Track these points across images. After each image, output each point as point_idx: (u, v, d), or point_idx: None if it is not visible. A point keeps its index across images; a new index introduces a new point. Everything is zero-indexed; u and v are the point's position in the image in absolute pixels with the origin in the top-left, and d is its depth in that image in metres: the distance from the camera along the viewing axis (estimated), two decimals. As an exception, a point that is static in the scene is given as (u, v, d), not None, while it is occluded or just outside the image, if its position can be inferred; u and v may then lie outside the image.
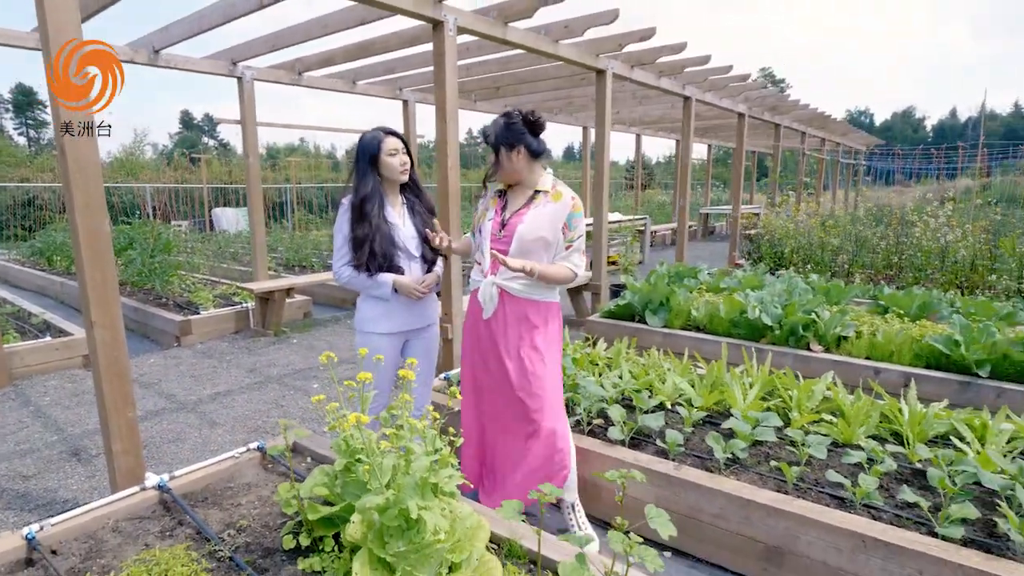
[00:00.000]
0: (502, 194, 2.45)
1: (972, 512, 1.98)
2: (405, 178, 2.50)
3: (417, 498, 1.59)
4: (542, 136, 2.35)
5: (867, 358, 3.84)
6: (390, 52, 5.12)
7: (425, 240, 2.56)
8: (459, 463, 2.57)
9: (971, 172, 28.05)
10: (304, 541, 1.88)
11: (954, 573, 1.84)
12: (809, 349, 4.00)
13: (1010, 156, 26.15)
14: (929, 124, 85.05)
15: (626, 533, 1.26)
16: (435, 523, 1.55)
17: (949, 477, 2.21)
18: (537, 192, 2.36)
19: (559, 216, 2.31)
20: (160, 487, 2.25)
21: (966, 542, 1.96)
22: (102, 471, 3.10)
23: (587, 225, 4.83)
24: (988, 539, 1.97)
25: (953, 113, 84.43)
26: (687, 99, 6.74)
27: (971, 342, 3.54)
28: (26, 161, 19.39)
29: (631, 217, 9.97)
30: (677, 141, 14.30)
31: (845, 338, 4.03)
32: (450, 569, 1.67)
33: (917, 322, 4.25)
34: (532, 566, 1.79)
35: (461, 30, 3.76)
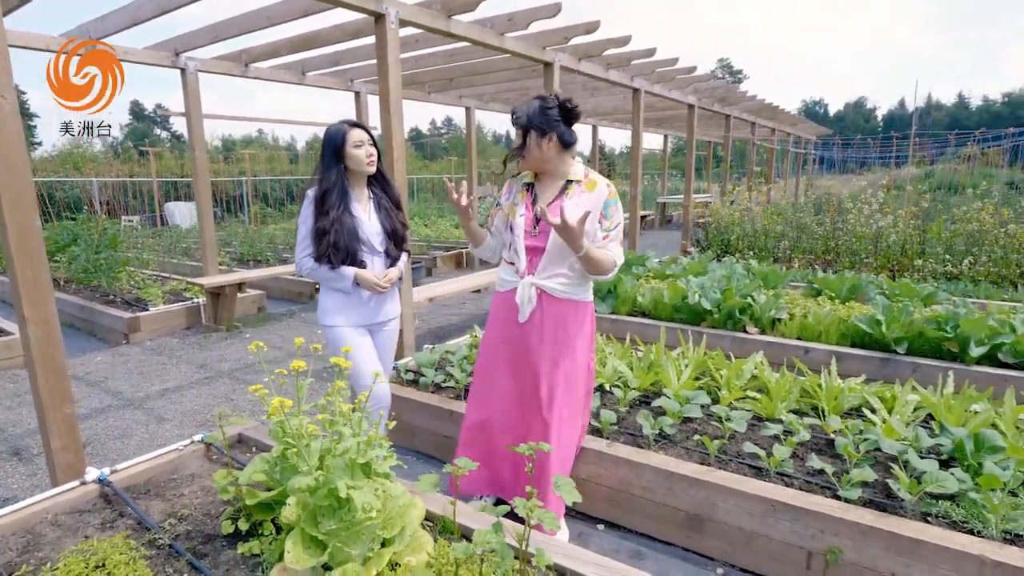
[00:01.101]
0: (530, 187, 2.31)
1: (870, 475, 2.17)
2: (372, 169, 2.48)
3: (347, 478, 1.67)
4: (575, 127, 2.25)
5: (798, 338, 4.06)
6: (336, 44, 5.11)
7: (389, 235, 2.54)
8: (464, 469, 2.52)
9: (915, 160, 29.35)
10: (243, 526, 1.94)
11: (850, 530, 2.02)
12: (745, 331, 4.20)
13: (952, 145, 27.46)
14: (879, 114, 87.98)
15: (585, 513, 1.36)
16: (364, 501, 1.62)
17: (855, 445, 2.40)
18: (570, 182, 2.24)
19: (596, 205, 2.19)
20: (101, 481, 2.27)
21: (866, 503, 2.14)
22: (44, 470, 3.07)
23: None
24: (886, 499, 2.16)
25: (902, 103, 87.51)
26: (636, 91, 6.90)
27: (891, 321, 3.79)
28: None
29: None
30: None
31: (780, 320, 4.25)
32: (383, 544, 1.75)
33: (847, 304, 4.51)
34: (464, 540, 1.88)
35: (403, 23, 3.79)
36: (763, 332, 4.21)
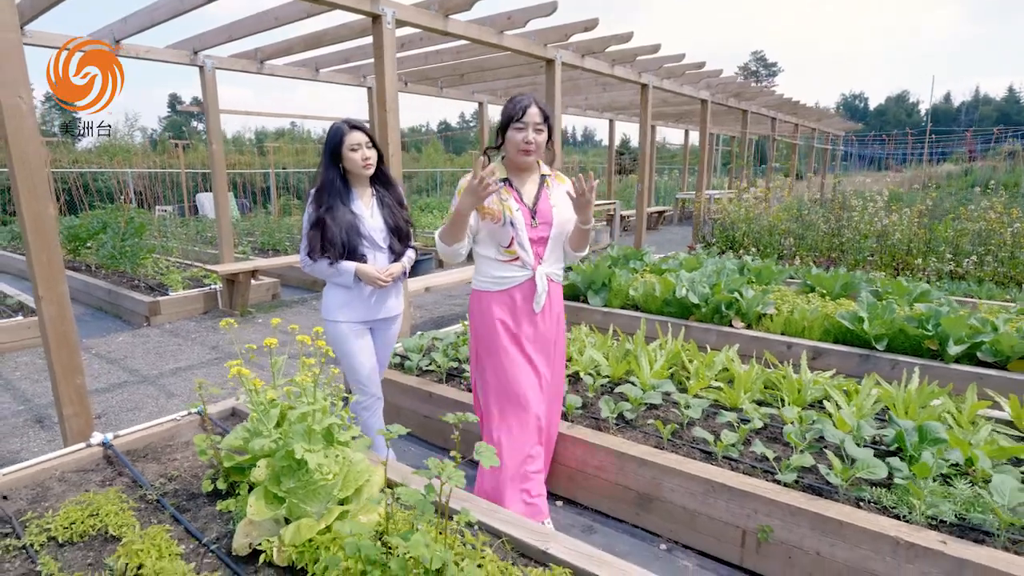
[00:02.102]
0: (508, 183, 2.36)
1: (808, 461, 2.28)
2: (369, 172, 2.52)
3: (303, 442, 1.87)
4: None
5: (782, 333, 4.13)
6: (345, 42, 5.32)
7: (393, 232, 2.59)
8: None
9: (954, 157, 28.45)
10: (222, 486, 2.16)
11: (781, 511, 2.14)
12: (731, 326, 4.29)
13: (974, 142, 26.52)
14: (923, 108, 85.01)
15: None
16: (317, 462, 1.82)
17: (801, 434, 2.50)
18: (544, 176, 2.39)
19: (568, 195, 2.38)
20: (104, 444, 2.51)
21: (804, 487, 2.25)
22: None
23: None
24: (824, 485, 2.26)
25: (947, 97, 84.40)
26: (644, 86, 6.95)
27: (874, 318, 3.83)
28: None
29: (600, 202, 10.24)
30: (654, 127, 14.50)
31: (767, 315, 4.32)
32: (342, 504, 1.94)
33: (837, 301, 4.54)
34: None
35: (400, 23, 3.97)
36: (749, 327, 4.28)
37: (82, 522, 1.94)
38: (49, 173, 12.24)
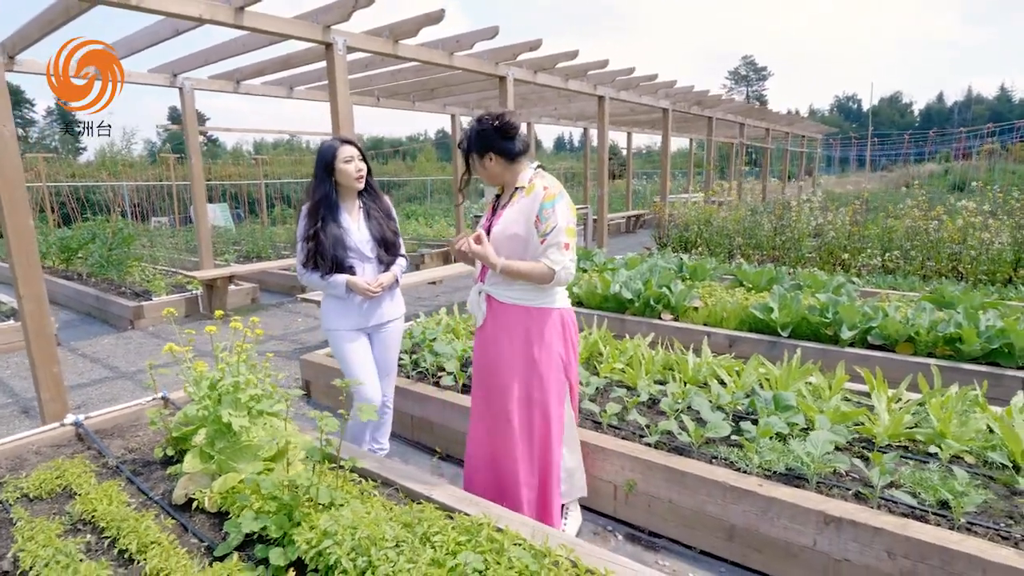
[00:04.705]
0: (499, 198, 2.40)
1: (673, 425, 2.67)
2: (361, 184, 2.64)
3: (231, 409, 2.26)
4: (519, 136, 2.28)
5: (705, 324, 4.52)
6: (314, 63, 5.74)
7: (380, 242, 2.71)
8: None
9: (939, 157, 28.87)
10: (170, 452, 2.55)
11: (642, 467, 2.53)
12: (660, 318, 4.68)
13: (993, 139, 26.93)
14: (916, 109, 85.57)
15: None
16: (241, 425, 2.22)
17: (675, 404, 2.89)
18: (517, 189, 2.30)
19: (531, 209, 2.19)
20: (76, 424, 2.90)
21: (671, 449, 2.63)
22: (46, 424, 3.76)
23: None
24: (686, 446, 2.64)
25: (940, 98, 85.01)
26: (601, 98, 7.37)
27: (782, 308, 4.22)
28: None
29: (576, 206, 10.61)
30: (630, 133, 14.96)
31: (694, 308, 4.71)
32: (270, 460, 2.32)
33: (760, 294, 4.93)
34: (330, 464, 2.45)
35: (351, 49, 4.38)
36: (676, 318, 4.68)
37: (50, 482, 2.34)
38: (45, 187, 12.69)
